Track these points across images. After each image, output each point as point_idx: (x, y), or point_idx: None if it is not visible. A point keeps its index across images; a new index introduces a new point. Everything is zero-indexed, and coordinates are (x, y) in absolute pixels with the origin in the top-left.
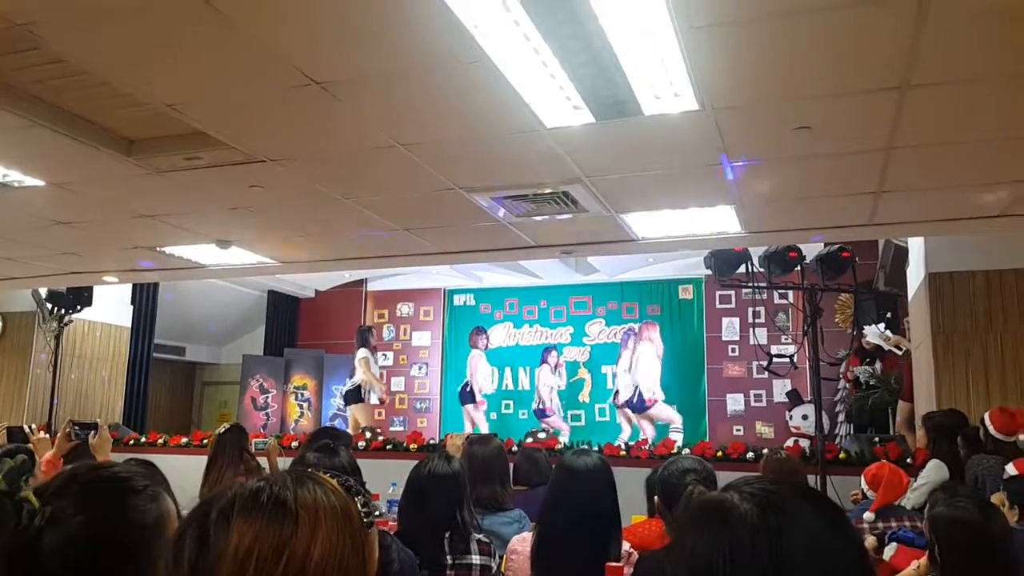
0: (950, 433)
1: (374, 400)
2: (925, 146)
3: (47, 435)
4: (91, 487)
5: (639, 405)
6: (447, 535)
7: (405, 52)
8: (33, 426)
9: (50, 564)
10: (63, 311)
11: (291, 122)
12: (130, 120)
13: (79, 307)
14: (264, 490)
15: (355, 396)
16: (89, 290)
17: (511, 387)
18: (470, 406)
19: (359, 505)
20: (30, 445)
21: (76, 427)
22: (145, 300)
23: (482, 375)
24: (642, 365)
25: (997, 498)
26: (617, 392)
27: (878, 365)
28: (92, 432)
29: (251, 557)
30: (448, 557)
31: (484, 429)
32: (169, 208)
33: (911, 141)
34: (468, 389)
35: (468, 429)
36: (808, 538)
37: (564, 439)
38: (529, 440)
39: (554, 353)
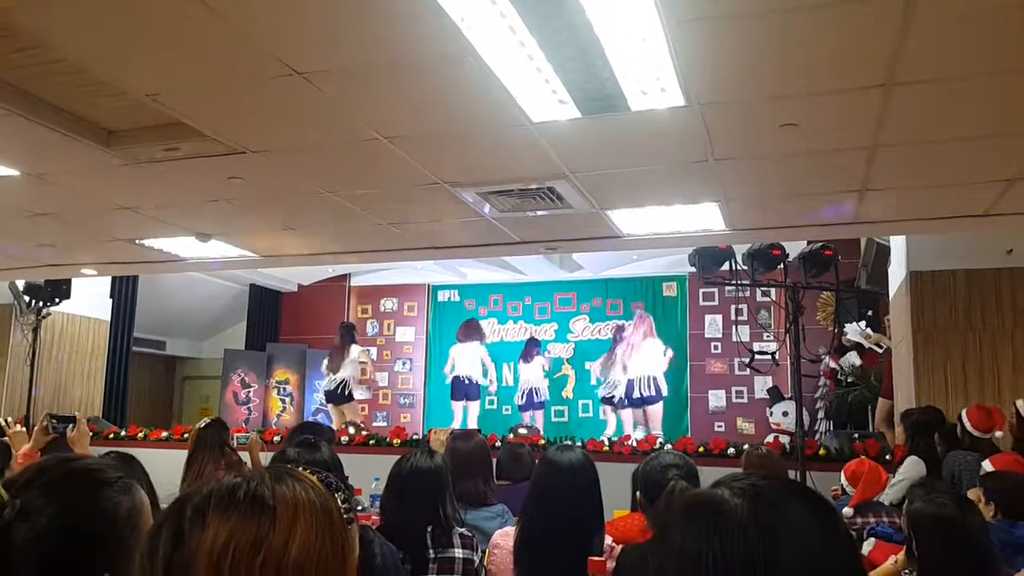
0: (928, 430)
1: (359, 395)
2: (909, 144)
3: (24, 428)
4: (61, 479)
5: (654, 398)
6: (429, 529)
7: (390, 43)
8: (9, 419)
9: (21, 558)
10: (41, 304)
11: (272, 113)
12: (109, 110)
13: (57, 300)
14: (241, 486)
15: (344, 397)
16: (67, 283)
17: (495, 382)
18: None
19: (339, 501)
20: (6, 439)
21: (54, 420)
22: (124, 293)
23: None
24: (652, 358)
25: (974, 494)
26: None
27: (855, 357)
28: (70, 425)
29: (227, 553)
30: (430, 551)
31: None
32: (148, 200)
33: (895, 139)
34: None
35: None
36: (799, 534)
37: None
38: (513, 435)
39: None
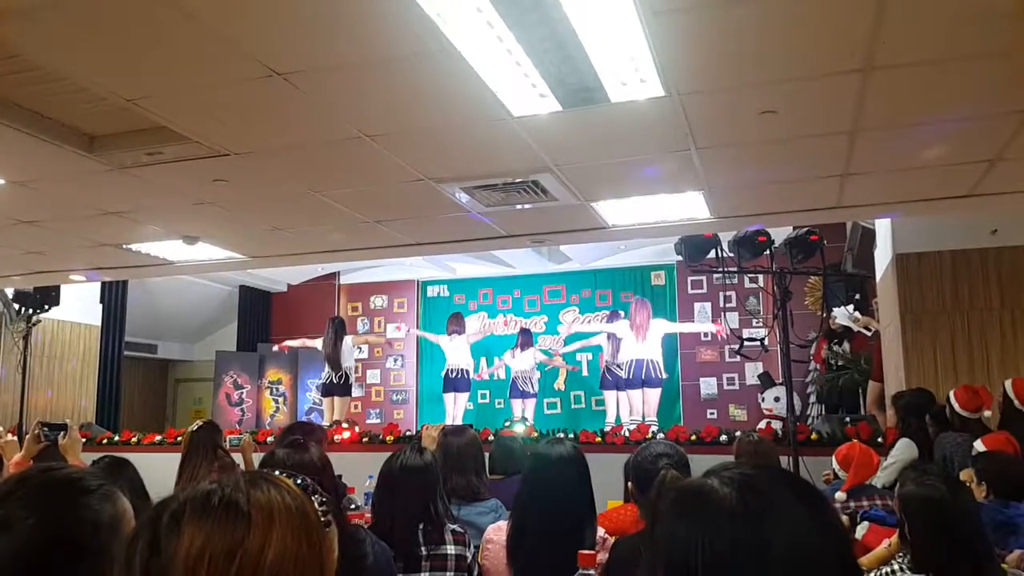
0: (919, 412)
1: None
2: (890, 128)
3: (16, 437)
4: (41, 489)
5: (658, 380)
6: (421, 526)
7: (367, 41)
8: (1, 429)
9: (2, 568)
10: (31, 311)
11: (254, 114)
12: (91, 116)
13: (47, 306)
14: (216, 492)
15: (347, 387)
16: (57, 289)
17: (486, 377)
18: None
19: (316, 504)
20: None
21: (45, 428)
22: (114, 298)
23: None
24: (656, 342)
25: (966, 475)
26: (608, 372)
27: (847, 345)
28: (62, 433)
29: (203, 560)
30: (422, 548)
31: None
32: (133, 205)
33: (875, 123)
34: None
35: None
36: (789, 522)
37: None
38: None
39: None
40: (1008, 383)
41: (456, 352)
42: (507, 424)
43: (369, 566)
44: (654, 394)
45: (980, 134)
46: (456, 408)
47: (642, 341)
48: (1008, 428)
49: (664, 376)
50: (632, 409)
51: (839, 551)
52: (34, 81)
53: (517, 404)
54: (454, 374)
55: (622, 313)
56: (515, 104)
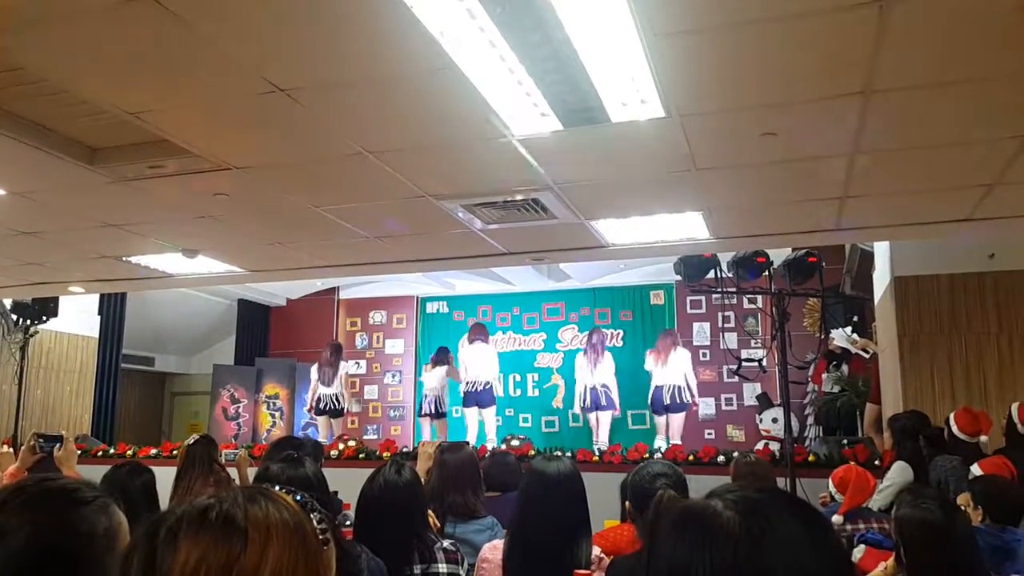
0: (914, 434)
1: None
2: (889, 151)
3: (10, 449)
4: (37, 499)
5: (681, 405)
6: (409, 546)
7: (370, 59)
8: None
9: None
10: (28, 322)
11: (256, 129)
12: (93, 128)
13: (45, 318)
14: (213, 507)
15: (339, 410)
16: (55, 300)
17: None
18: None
19: (315, 522)
20: None
21: (41, 440)
22: (112, 310)
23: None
24: (678, 368)
25: (962, 498)
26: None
27: (845, 368)
28: (57, 445)
29: (198, 575)
30: (414, 568)
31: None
32: (134, 217)
33: (875, 146)
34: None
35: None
36: (790, 548)
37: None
38: (505, 445)
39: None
40: (1015, 407)
41: (477, 363)
42: (510, 440)
43: None
44: (678, 418)
45: (979, 158)
46: (487, 425)
47: (663, 366)
48: (1011, 453)
49: (686, 403)
50: (658, 433)
51: None
52: (36, 94)
53: (426, 423)
54: (474, 387)
55: (606, 333)
56: (516, 123)
